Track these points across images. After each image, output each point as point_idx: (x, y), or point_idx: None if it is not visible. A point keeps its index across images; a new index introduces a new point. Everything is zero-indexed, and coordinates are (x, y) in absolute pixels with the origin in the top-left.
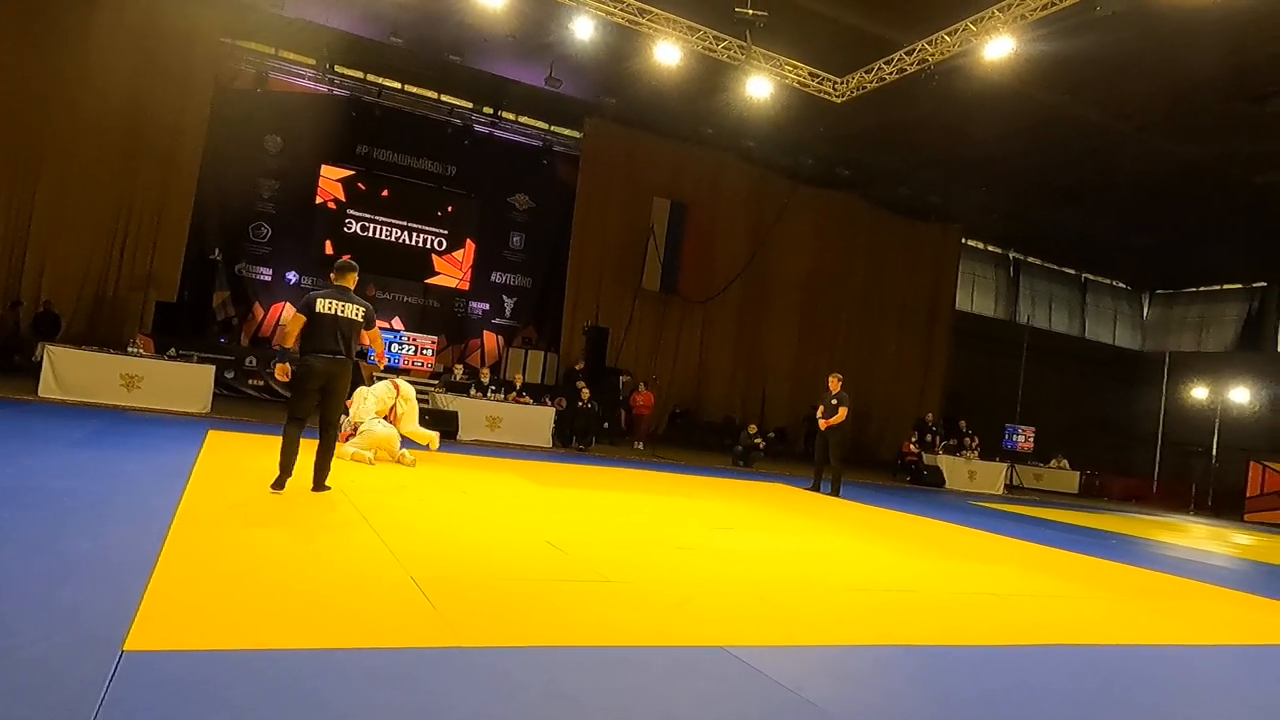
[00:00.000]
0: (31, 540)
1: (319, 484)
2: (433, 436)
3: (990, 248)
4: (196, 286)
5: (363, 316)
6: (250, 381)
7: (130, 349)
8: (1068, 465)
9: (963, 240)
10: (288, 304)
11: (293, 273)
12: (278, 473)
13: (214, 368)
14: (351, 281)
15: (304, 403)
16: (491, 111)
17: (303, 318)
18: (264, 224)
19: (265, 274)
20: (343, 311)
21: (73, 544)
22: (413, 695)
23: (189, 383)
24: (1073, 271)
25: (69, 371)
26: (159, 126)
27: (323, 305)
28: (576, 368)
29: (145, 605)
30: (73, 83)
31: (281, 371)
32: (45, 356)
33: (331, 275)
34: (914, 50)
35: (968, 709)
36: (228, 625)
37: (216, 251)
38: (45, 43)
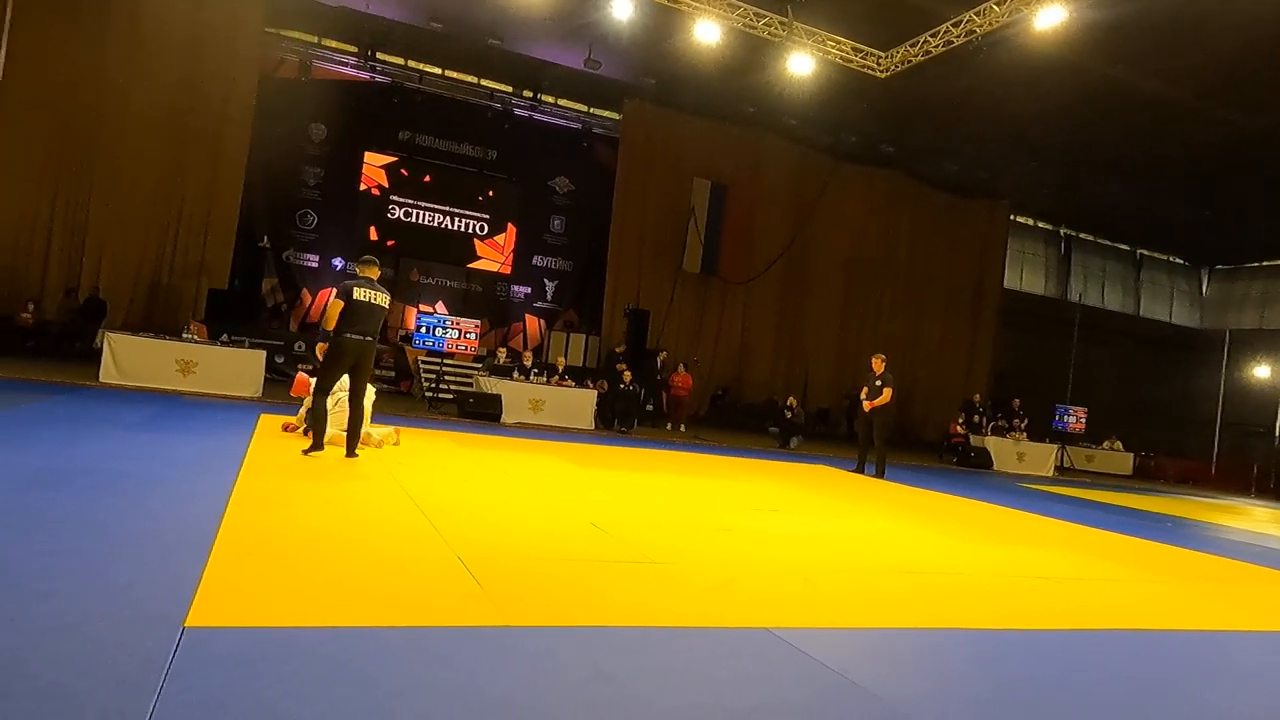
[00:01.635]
0: (95, 521)
1: (350, 450)
2: (387, 432)
3: (1040, 224)
4: (246, 274)
5: (388, 303)
6: (300, 365)
7: (185, 335)
8: (1121, 447)
9: (1011, 216)
10: (334, 289)
11: (338, 259)
12: (310, 440)
13: (265, 352)
14: (375, 273)
15: (332, 376)
16: (531, 95)
17: (341, 303)
18: (310, 211)
19: (312, 260)
20: (374, 299)
21: (134, 524)
22: (460, 673)
23: (241, 367)
24: (1126, 247)
25: (127, 357)
26: (207, 117)
27: (360, 294)
28: (617, 350)
29: (204, 583)
30: (124, 76)
31: (320, 350)
32: (105, 343)
33: (358, 269)
34: (961, 22)
35: (1020, 693)
36: (282, 603)
37: (265, 239)
38: (96, 37)
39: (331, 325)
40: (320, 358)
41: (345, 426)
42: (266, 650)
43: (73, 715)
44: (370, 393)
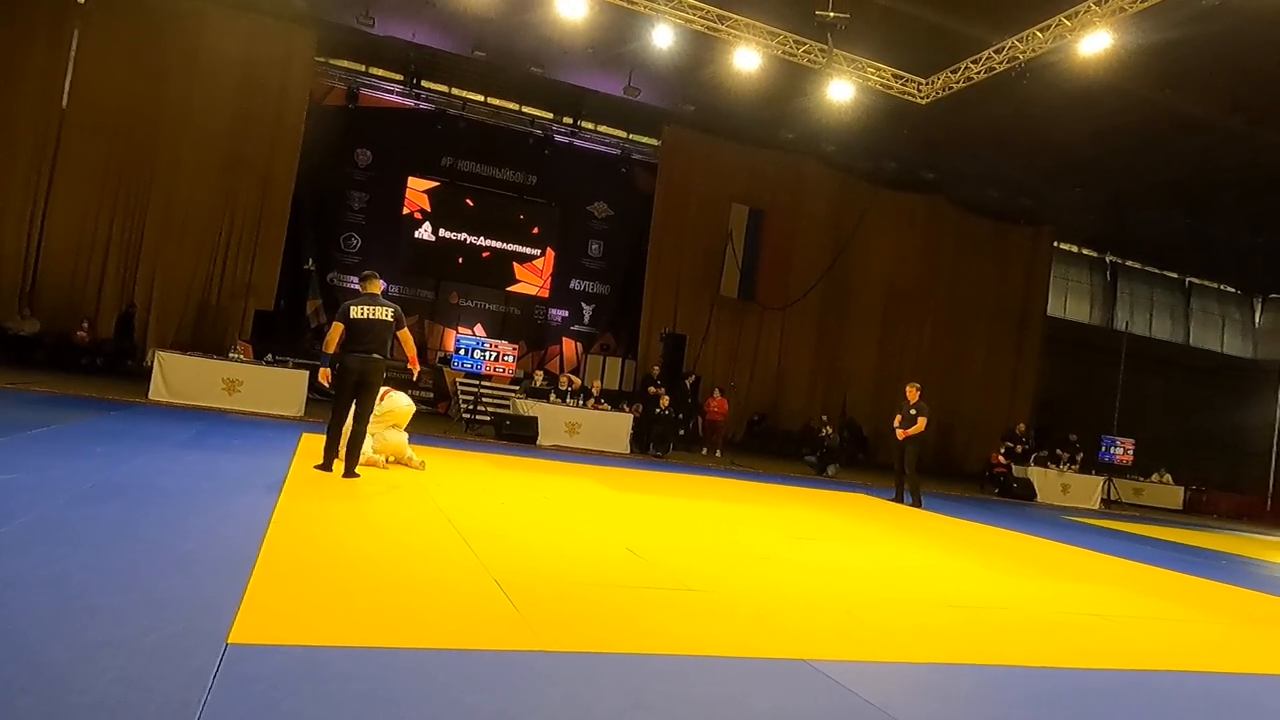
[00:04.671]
0: (143, 536)
1: (349, 470)
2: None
3: (1085, 251)
4: (292, 295)
5: (392, 317)
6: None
7: (231, 355)
8: (1171, 480)
9: (1055, 243)
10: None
11: (381, 282)
12: (322, 458)
13: (308, 373)
14: (377, 288)
15: (342, 398)
16: (571, 121)
17: (341, 326)
18: (354, 234)
19: (355, 283)
20: (374, 315)
21: (179, 540)
22: (497, 698)
23: (285, 387)
24: (1175, 275)
25: (176, 376)
26: (258, 143)
27: (357, 312)
28: (653, 373)
29: (246, 601)
30: (180, 105)
31: (324, 376)
32: (155, 362)
33: (361, 285)
34: (1003, 48)
35: None
36: (322, 622)
37: (310, 262)
38: (154, 67)
39: (331, 349)
40: (325, 384)
41: (392, 450)
42: (306, 669)
43: None
44: (408, 406)
